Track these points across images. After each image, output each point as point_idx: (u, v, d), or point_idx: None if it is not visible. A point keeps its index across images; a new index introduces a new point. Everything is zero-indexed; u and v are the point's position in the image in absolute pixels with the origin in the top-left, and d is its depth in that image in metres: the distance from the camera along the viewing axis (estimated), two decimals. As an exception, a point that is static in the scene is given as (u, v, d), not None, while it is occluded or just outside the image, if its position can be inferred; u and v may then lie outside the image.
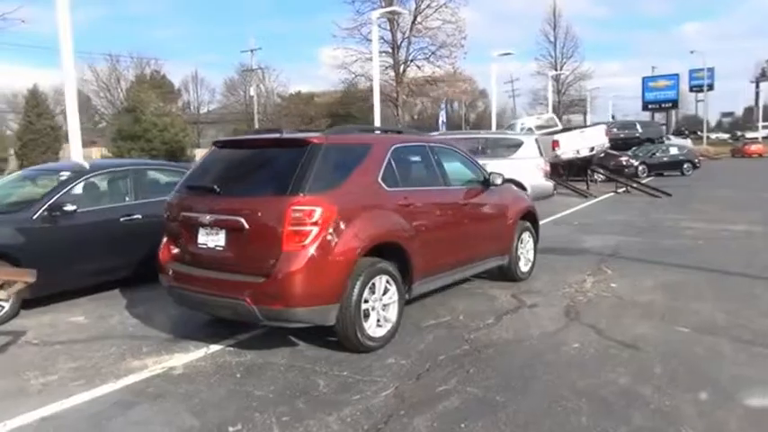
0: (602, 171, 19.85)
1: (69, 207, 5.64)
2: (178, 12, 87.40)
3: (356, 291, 4.20)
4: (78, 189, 5.97)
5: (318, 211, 4.00)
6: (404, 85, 30.43)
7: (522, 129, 20.55)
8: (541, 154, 12.63)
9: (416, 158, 5.32)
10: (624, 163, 23.34)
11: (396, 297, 4.59)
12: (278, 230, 3.95)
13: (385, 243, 4.49)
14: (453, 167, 5.73)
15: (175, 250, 4.62)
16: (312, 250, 3.96)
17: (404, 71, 30.49)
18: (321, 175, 4.19)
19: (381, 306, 4.48)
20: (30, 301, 5.59)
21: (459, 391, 3.69)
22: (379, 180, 4.61)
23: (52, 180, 6.11)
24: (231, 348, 4.54)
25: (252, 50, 54.81)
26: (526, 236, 6.68)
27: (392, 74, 30.39)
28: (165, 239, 4.71)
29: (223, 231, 4.23)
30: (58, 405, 3.57)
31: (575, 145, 17.37)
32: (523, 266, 6.64)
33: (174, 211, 4.59)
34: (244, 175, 4.52)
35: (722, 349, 4.38)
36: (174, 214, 4.58)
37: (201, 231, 4.35)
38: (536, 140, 12.85)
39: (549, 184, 12.64)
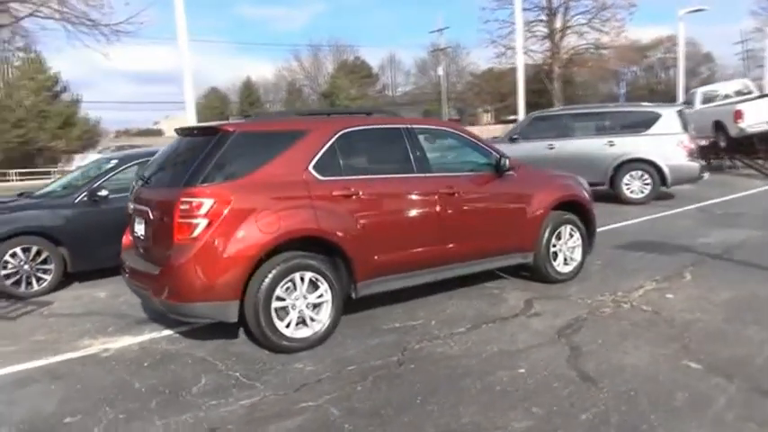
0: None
1: (103, 192, 6.23)
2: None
3: (264, 288, 3.93)
4: (120, 176, 6.55)
5: (209, 203, 3.80)
6: (559, 56, 27.61)
7: (704, 98, 17.32)
8: (686, 129, 10.53)
9: (380, 144, 4.75)
10: None
11: (328, 296, 4.20)
12: (170, 222, 3.86)
13: (306, 237, 4.11)
14: (443, 153, 5.05)
15: (127, 240, 4.80)
16: (203, 243, 3.79)
17: (560, 39, 27.63)
18: (223, 164, 3.97)
19: (306, 305, 4.14)
20: (84, 275, 6.37)
21: (317, 410, 3.25)
22: (310, 169, 4.22)
23: (104, 166, 6.79)
24: (177, 335, 4.60)
25: (440, 30, 54.92)
26: (566, 230, 5.62)
27: (547, 44, 27.71)
28: (127, 229, 4.92)
29: (143, 222, 4.28)
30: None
31: (766, 115, 14.22)
32: (561, 266, 5.62)
33: (131, 200, 4.76)
34: (168, 165, 4.50)
35: (718, 400, 3.19)
36: (130, 204, 4.76)
37: (135, 221, 4.45)
38: (679, 113, 10.74)
39: (694, 164, 10.51)
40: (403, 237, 4.60)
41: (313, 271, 4.13)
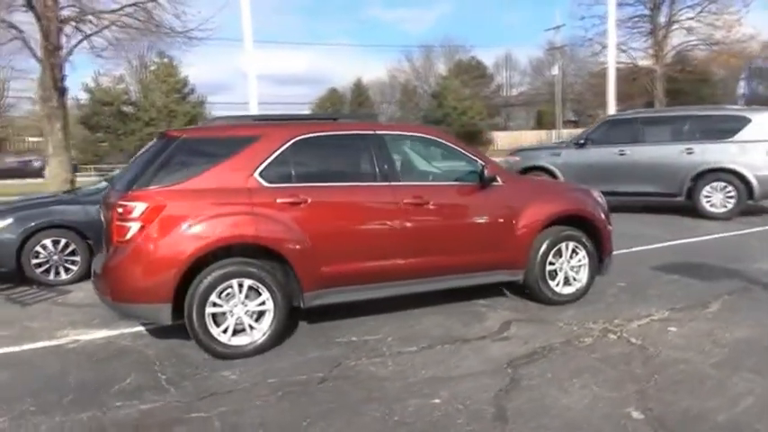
0: None
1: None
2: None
3: (198, 293, 3.94)
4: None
5: (141, 207, 3.87)
6: (663, 54, 24.94)
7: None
8: (781, 134, 9.19)
9: (340, 151, 4.57)
10: None
11: (270, 305, 4.13)
12: (110, 225, 3.99)
13: (243, 244, 4.07)
14: (419, 161, 4.77)
15: None
16: (134, 246, 3.87)
17: (665, 36, 24.99)
18: (164, 170, 4.02)
19: (246, 312, 4.10)
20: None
21: (201, 422, 3.19)
22: (256, 175, 4.16)
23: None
24: (146, 332, 4.75)
25: (556, 27, 52.64)
26: (567, 247, 5.10)
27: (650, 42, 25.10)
28: None
29: (103, 224, 4.46)
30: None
31: None
32: (561, 287, 5.11)
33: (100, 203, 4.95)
34: (129, 169, 4.64)
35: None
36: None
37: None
38: (772, 116, 9.39)
39: (788, 176, 9.15)
40: (359, 248, 4.41)
41: (253, 278, 4.08)
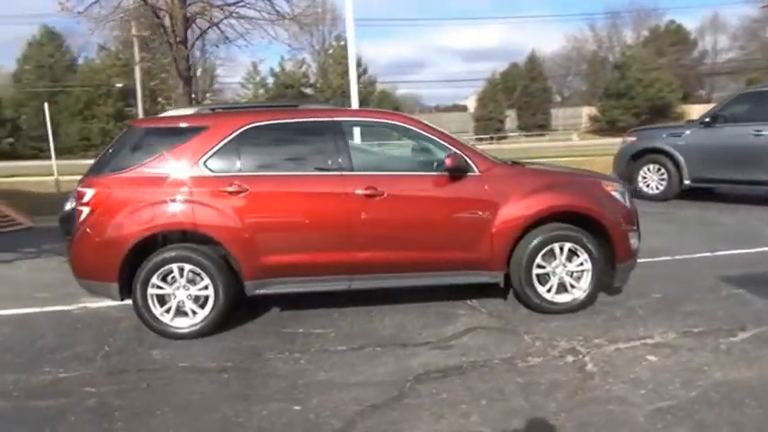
0: None
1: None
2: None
3: (142, 274, 4.17)
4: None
5: (90, 193, 4.17)
6: None
7: None
8: None
9: (292, 139, 4.39)
10: None
11: (210, 291, 4.22)
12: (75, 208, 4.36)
13: (182, 231, 4.18)
14: (384, 150, 4.45)
15: None
16: (86, 229, 4.19)
17: None
18: (117, 157, 4.27)
19: (187, 296, 4.24)
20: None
21: (67, 395, 3.39)
22: (201, 164, 4.22)
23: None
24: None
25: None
26: (562, 249, 4.40)
27: None
28: None
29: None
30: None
31: None
32: (554, 294, 4.44)
33: None
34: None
35: None
36: None
37: None
38: None
39: None
40: (302, 239, 4.27)
41: (192, 264, 4.19)
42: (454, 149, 4.41)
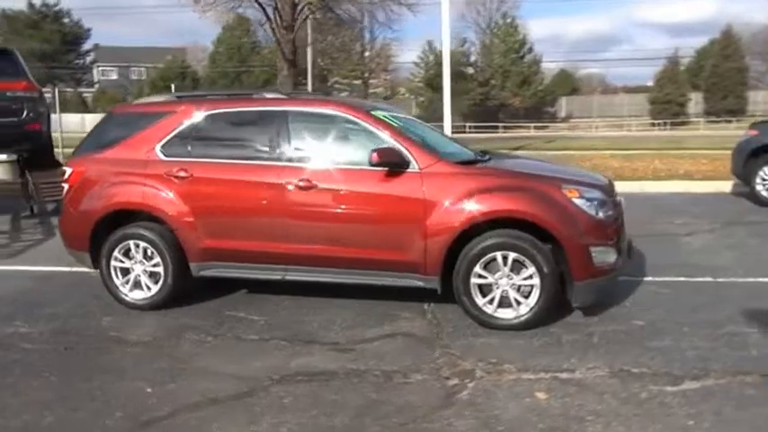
0: None
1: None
2: None
3: (105, 248, 4.58)
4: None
5: (68, 172, 4.67)
6: None
7: None
8: None
9: (239, 127, 4.48)
10: None
11: (160, 269, 4.52)
12: None
13: (133, 211, 4.50)
14: (325, 141, 4.34)
15: None
16: (66, 204, 4.71)
17: None
18: (95, 140, 4.72)
19: (143, 271, 4.57)
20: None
21: None
22: (156, 149, 4.48)
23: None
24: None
25: None
26: (506, 258, 3.94)
27: None
28: None
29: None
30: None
31: None
32: (495, 308, 4.02)
33: None
34: None
35: None
36: None
37: None
38: None
39: None
40: (240, 226, 4.36)
41: (145, 241, 4.51)
42: (393, 142, 4.15)
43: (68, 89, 52.56)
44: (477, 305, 4.03)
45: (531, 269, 3.92)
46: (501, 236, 3.96)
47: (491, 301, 4.03)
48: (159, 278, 4.55)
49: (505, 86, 45.35)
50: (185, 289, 4.64)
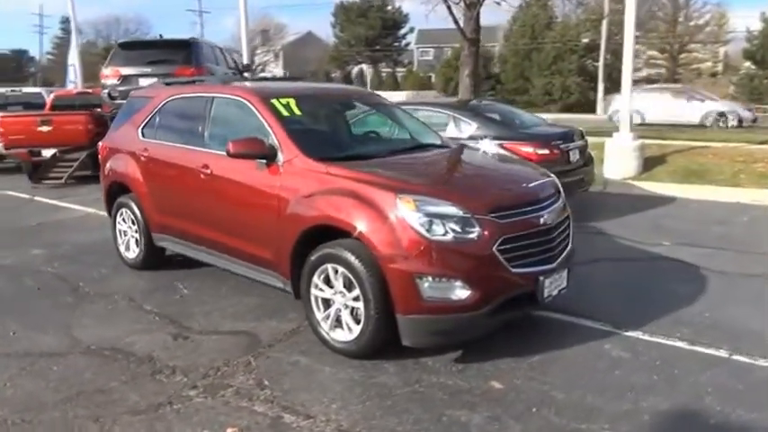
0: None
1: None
2: None
3: (113, 212, 5.45)
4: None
5: (101, 147, 5.65)
6: None
7: None
8: None
9: (189, 113, 4.72)
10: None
11: (138, 235, 5.17)
12: None
13: (121, 184, 5.24)
14: (227, 129, 4.35)
15: None
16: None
17: None
18: (117, 121, 5.58)
19: (131, 236, 5.27)
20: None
21: None
22: (138, 130, 5.08)
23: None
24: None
25: None
26: (336, 273, 3.45)
27: None
28: None
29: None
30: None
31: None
32: (329, 327, 3.56)
33: None
34: None
35: None
36: None
37: None
38: None
39: None
40: (173, 205, 4.73)
41: (126, 208, 5.23)
42: (269, 132, 3.93)
43: (386, 69, 59.07)
44: (320, 325, 3.61)
45: (357, 291, 3.34)
46: (331, 246, 3.47)
47: (327, 318, 3.57)
48: (139, 240, 5.20)
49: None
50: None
